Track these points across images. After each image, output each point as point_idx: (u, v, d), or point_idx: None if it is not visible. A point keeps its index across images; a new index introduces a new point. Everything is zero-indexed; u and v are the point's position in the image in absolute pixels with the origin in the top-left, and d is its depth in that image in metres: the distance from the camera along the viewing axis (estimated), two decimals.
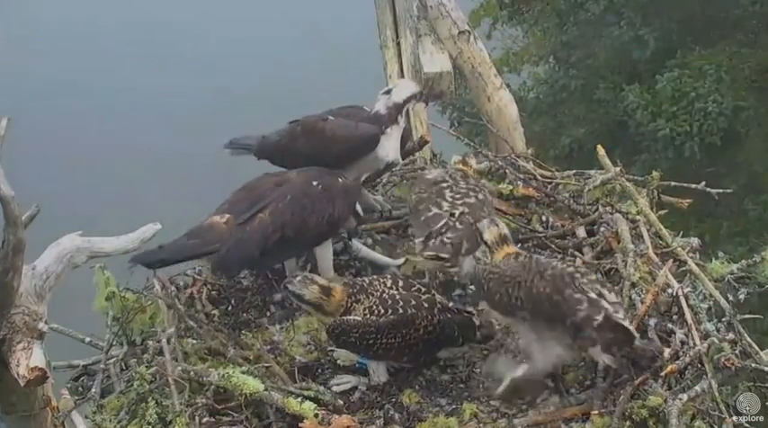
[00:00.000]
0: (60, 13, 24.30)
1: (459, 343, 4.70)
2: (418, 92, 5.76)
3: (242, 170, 5.63)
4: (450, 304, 4.76)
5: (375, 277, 4.77)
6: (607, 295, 4.33)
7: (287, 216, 4.92)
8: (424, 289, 4.70)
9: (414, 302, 4.60)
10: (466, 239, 4.94)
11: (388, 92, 5.65)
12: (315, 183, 5.07)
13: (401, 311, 4.57)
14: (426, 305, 4.61)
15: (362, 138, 5.44)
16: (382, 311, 4.57)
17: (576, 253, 5.44)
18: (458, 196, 5.15)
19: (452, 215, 5.05)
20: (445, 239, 4.96)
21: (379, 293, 4.62)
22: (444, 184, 5.21)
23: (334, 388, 4.70)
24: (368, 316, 4.55)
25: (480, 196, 5.21)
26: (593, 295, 4.29)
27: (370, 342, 4.58)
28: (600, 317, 4.24)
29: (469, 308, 4.83)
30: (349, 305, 4.60)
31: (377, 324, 4.54)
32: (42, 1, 24.56)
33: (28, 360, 4.27)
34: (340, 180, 5.19)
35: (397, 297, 4.61)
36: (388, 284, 4.66)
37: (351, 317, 4.57)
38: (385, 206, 5.84)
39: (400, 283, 4.69)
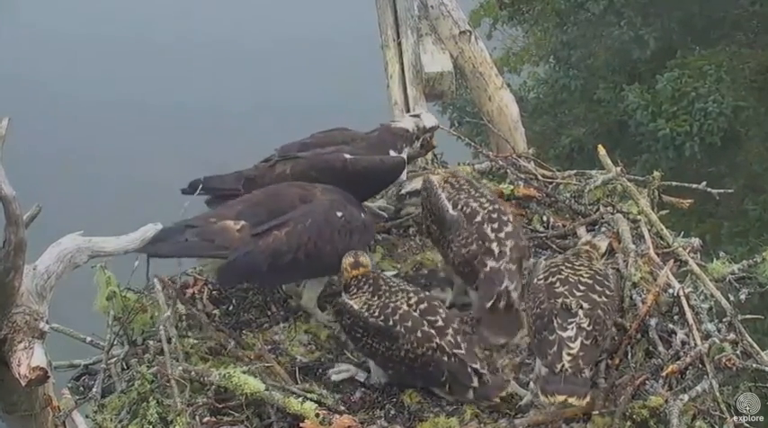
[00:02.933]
0: (60, 14, 24.32)
1: (445, 389, 4.54)
2: (437, 126, 5.85)
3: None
4: (456, 352, 4.50)
5: (408, 285, 4.75)
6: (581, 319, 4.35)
7: (303, 239, 4.86)
8: (439, 324, 4.54)
9: (410, 324, 4.53)
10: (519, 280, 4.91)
11: (418, 116, 5.73)
12: (339, 214, 4.99)
13: (390, 323, 4.54)
14: (419, 335, 4.50)
15: (392, 172, 5.47)
16: (375, 313, 4.58)
17: None
18: (497, 227, 5.00)
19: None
20: (513, 295, 4.85)
21: (387, 298, 4.63)
22: (478, 218, 5.02)
23: (333, 377, 4.74)
24: (363, 309, 4.61)
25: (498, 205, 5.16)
26: (567, 334, 4.30)
27: (357, 335, 4.64)
28: (558, 367, 4.24)
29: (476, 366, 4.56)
30: (352, 283, 4.73)
31: (365, 320, 4.58)
32: (41, 4, 24.59)
33: (29, 359, 4.26)
34: (363, 215, 5.15)
35: (400, 311, 4.56)
36: (412, 301, 4.60)
37: (351, 302, 4.65)
38: (389, 209, 5.83)
39: (422, 306, 4.59)
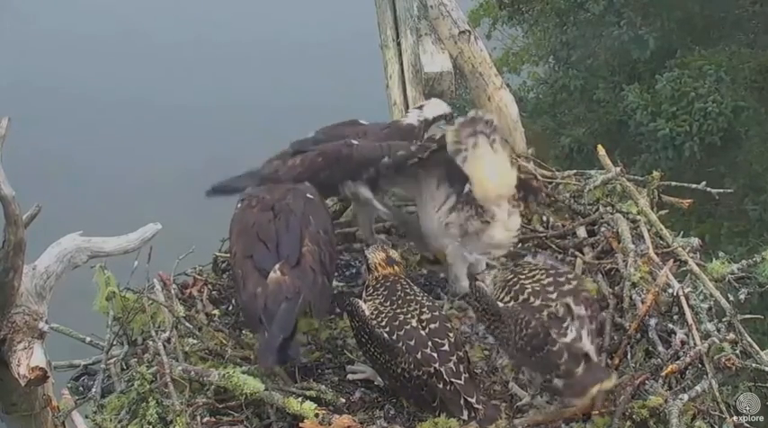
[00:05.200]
0: (59, 14, 24.34)
1: (436, 412, 4.36)
2: (449, 112, 5.80)
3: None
4: (454, 381, 4.32)
5: (429, 302, 4.59)
6: (575, 309, 4.37)
7: (323, 236, 4.82)
8: (444, 349, 4.36)
9: (413, 343, 4.38)
10: None
11: (421, 108, 5.73)
12: (309, 196, 4.97)
13: (394, 337, 4.42)
14: (419, 356, 4.36)
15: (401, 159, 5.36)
16: (382, 322, 4.48)
17: (577, 253, 5.44)
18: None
19: None
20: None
21: (399, 308, 4.52)
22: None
23: (349, 376, 4.73)
24: (372, 315, 4.52)
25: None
26: (570, 337, 4.30)
27: (363, 340, 4.55)
28: (580, 369, 4.26)
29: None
30: (371, 289, 4.66)
31: (371, 327, 4.48)
32: (39, 3, 24.60)
33: (29, 359, 4.27)
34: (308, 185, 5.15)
35: (407, 326, 4.43)
36: (423, 317, 4.46)
37: (363, 307, 4.55)
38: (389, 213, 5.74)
39: (433, 326, 4.42)
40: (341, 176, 5.24)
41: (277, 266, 4.60)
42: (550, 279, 4.50)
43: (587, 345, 4.30)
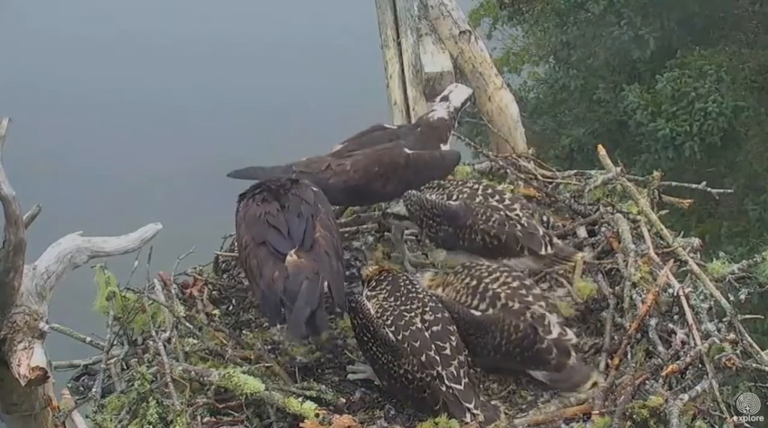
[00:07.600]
0: (59, 14, 24.35)
1: (437, 415, 4.28)
2: (471, 94, 5.86)
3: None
4: (454, 386, 4.31)
5: (432, 303, 4.55)
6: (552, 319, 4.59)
7: (333, 223, 4.83)
8: (446, 353, 4.34)
9: (418, 345, 4.35)
10: None
11: (446, 98, 5.68)
12: (314, 189, 4.97)
13: (400, 338, 4.37)
14: (423, 359, 4.32)
15: (451, 166, 5.56)
16: (388, 322, 4.44)
17: None
18: (499, 198, 5.14)
19: None
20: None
21: (403, 305, 4.50)
22: (478, 198, 5.09)
23: (350, 376, 4.72)
24: (377, 313, 4.49)
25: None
26: (556, 332, 4.52)
27: (365, 338, 4.52)
28: (571, 361, 4.52)
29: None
30: (374, 283, 4.68)
31: (375, 327, 4.44)
32: (41, 7, 24.61)
33: (29, 359, 4.28)
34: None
35: (412, 327, 4.39)
36: (426, 317, 4.44)
37: (368, 305, 4.53)
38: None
39: (435, 328, 4.40)
40: (402, 187, 5.25)
41: (293, 250, 4.57)
42: (517, 282, 4.63)
43: (574, 338, 4.56)
